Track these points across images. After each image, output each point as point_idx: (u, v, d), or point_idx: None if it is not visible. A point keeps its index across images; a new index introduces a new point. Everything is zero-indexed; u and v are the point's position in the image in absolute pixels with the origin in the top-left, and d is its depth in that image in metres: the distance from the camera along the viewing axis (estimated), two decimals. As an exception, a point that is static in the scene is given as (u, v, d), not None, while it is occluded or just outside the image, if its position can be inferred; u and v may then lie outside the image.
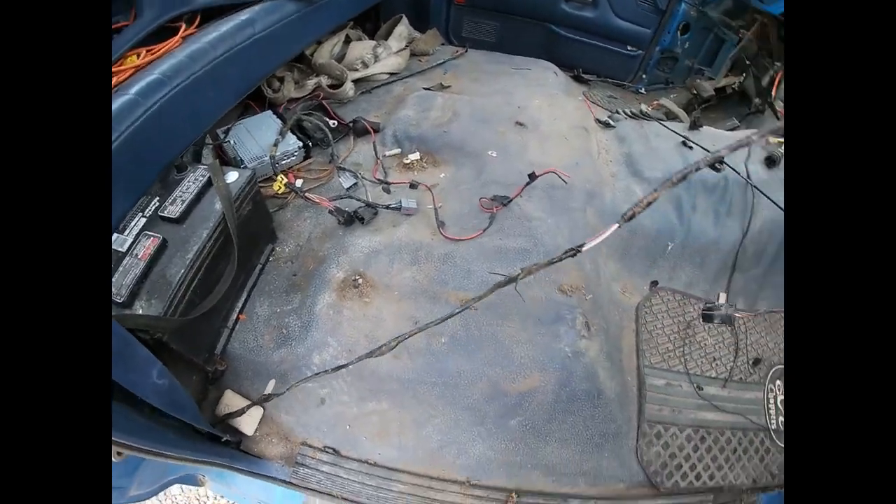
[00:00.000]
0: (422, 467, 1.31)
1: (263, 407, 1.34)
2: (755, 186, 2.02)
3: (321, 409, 1.33)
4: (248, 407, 1.30)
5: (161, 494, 2.00)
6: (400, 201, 1.62)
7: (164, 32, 1.54)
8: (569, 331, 1.45)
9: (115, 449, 0.88)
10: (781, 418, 1.69)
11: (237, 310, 1.49)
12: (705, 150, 2.07)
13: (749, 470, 1.55)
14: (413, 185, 1.70)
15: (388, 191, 1.72)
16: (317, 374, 1.26)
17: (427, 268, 1.50)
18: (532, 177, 1.60)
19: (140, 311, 1.12)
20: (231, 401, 1.34)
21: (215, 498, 2.10)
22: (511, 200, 1.63)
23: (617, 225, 0.89)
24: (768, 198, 1.97)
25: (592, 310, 1.52)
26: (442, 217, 1.62)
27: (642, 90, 3.10)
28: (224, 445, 1.26)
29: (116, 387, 0.86)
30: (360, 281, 1.47)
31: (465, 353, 1.38)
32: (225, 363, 1.39)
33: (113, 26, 1.50)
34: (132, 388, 0.89)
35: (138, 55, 1.46)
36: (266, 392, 1.34)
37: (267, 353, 1.39)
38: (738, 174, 2.02)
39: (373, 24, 2.83)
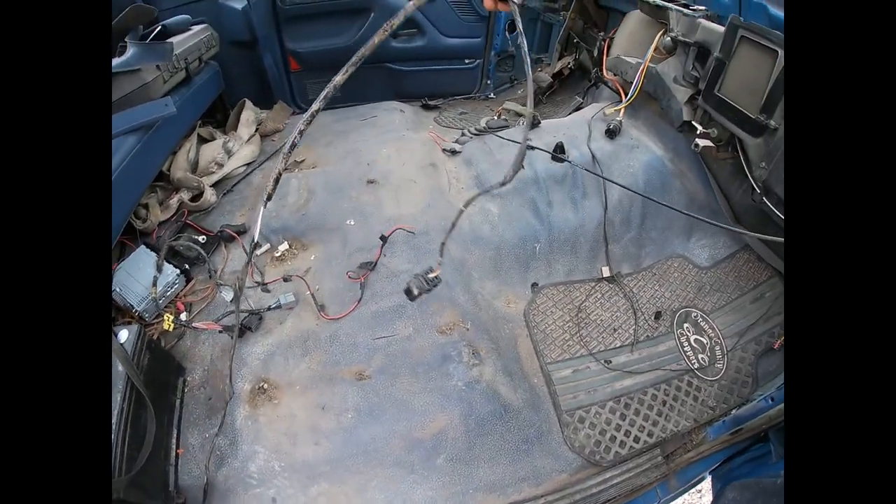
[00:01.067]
0: None
1: None
2: (598, 170, 2.22)
3: None
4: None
5: None
6: (278, 299, 1.75)
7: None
8: (457, 366, 1.62)
9: None
10: (701, 355, 1.86)
11: (173, 447, 1.57)
12: (543, 150, 2.24)
13: (686, 413, 1.69)
14: (286, 279, 1.83)
15: (266, 290, 1.84)
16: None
17: (318, 355, 1.64)
18: (384, 238, 1.76)
19: None
20: None
21: None
22: (375, 264, 1.79)
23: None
24: (611, 181, 2.15)
25: (477, 337, 1.70)
26: (321, 298, 1.76)
27: (491, 95, 3.33)
28: None
29: None
30: (266, 386, 1.60)
31: (371, 419, 1.53)
32: (182, 496, 1.47)
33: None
34: None
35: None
36: (201, 485, 1.46)
37: (212, 475, 1.49)
38: (577, 166, 2.22)
39: (222, 115, 2.88)
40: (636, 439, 1.63)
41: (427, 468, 1.49)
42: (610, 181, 2.16)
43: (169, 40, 2.18)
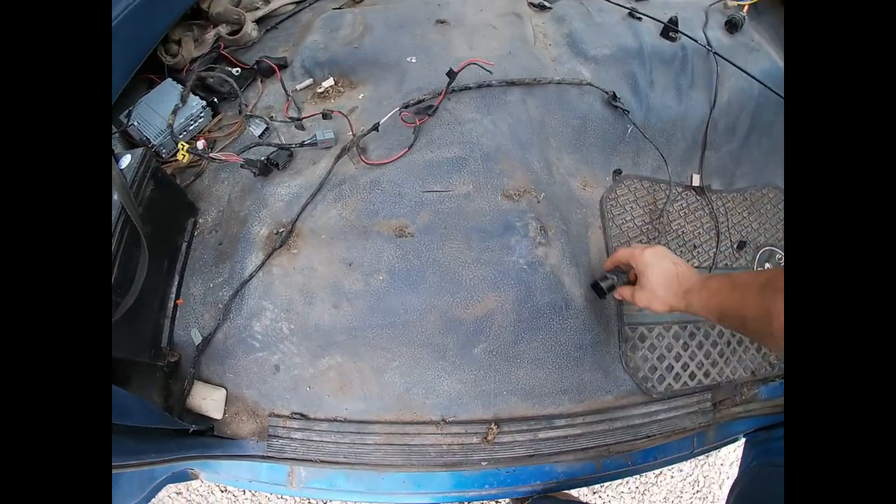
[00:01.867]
0: (392, 414, 1.23)
1: (225, 387, 1.26)
2: (718, 54, 1.79)
3: (278, 377, 1.24)
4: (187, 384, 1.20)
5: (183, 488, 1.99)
6: (314, 135, 1.43)
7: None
8: (521, 240, 1.29)
9: None
10: None
11: (172, 296, 1.36)
12: (655, 19, 1.82)
13: (746, 362, 1.48)
14: (326, 115, 1.50)
15: (301, 127, 1.53)
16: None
17: (353, 201, 1.33)
18: (451, 74, 1.39)
19: None
20: (197, 389, 1.26)
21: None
22: (436, 109, 1.43)
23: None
24: (735, 65, 1.76)
25: (548, 212, 1.36)
26: (366, 139, 1.44)
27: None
28: (194, 436, 1.21)
29: None
30: (285, 232, 1.31)
31: (407, 286, 1.24)
32: (176, 354, 1.29)
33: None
34: None
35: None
36: (196, 343, 1.27)
37: (209, 331, 1.28)
38: (698, 42, 1.79)
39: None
40: (692, 376, 1.40)
41: (461, 356, 1.23)
42: (732, 63, 1.75)
43: None
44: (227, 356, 1.26)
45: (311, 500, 1.90)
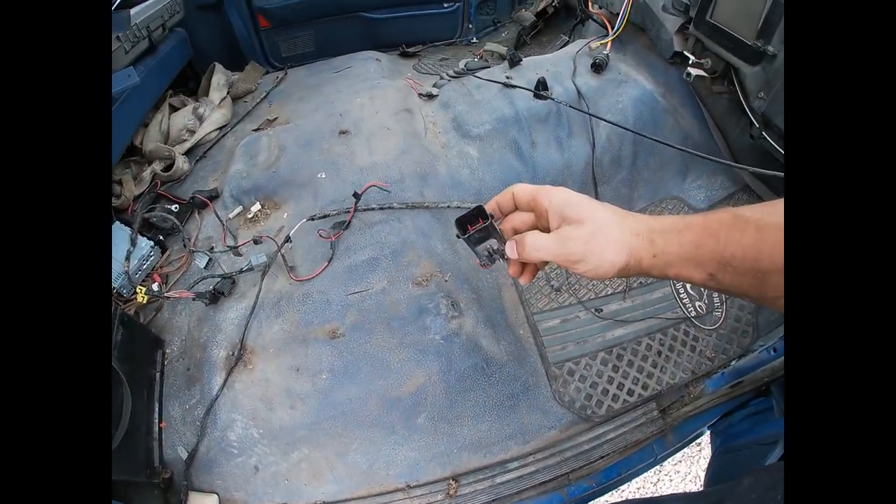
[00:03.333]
0: (363, 490, 1.40)
1: (217, 493, 1.42)
2: (574, 107, 2.09)
3: (259, 476, 1.41)
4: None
5: None
6: (250, 260, 1.67)
7: None
8: (435, 319, 1.53)
9: None
10: (698, 303, 1.76)
11: (156, 421, 1.54)
12: (523, 88, 2.12)
13: (683, 364, 1.60)
14: (257, 241, 1.75)
15: (238, 254, 1.76)
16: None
17: (291, 315, 1.56)
18: (356, 196, 1.66)
19: None
20: (192, 499, 1.42)
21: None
22: (348, 224, 1.69)
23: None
24: (595, 116, 2.03)
25: (456, 287, 1.61)
26: (294, 258, 1.68)
27: (474, 40, 3.14)
28: None
29: None
30: (241, 351, 1.54)
31: (347, 379, 1.46)
32: (168, 471, 1.44)
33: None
34: None
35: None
36: (183, 459, 1.44)
37: (192, 446, 1.45)
38: (560, 102, 2.08)
39: (195, 82, 2.78)
40: (630, 392, 1.54)
41: (408, 428, 1.44)
42: (597, 117, 2.03)
43: (127, 9, 2.07)
44: (213, 465, 1.43)
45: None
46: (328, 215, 1.71)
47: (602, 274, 0.60)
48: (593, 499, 1.47)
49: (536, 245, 0.61)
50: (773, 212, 0.52)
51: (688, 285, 1.78)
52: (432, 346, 1.49)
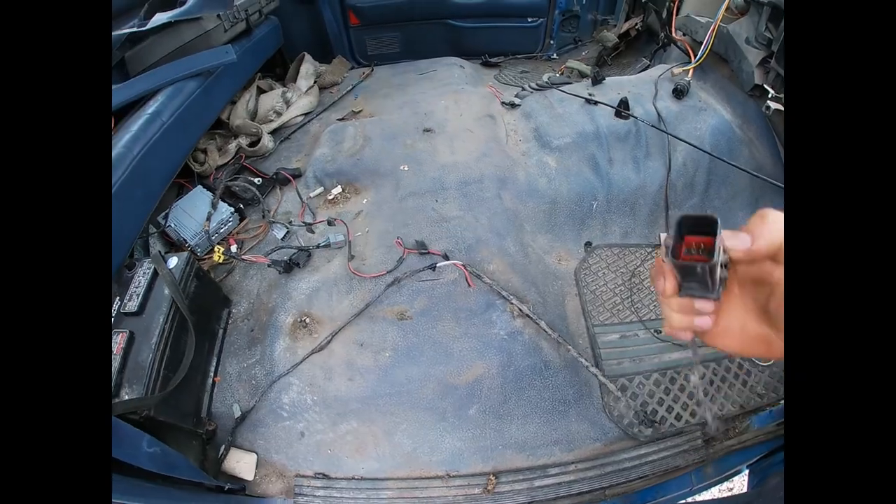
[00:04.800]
0: (402, 471, 1.42)
1: (256, 452, 1.46)
2: (661, 129, 2.10)
3: (303, 442, 1.45)
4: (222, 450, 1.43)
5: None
6: (328, 238, 1.74)
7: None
8: (501, 315, 1.56)
9: None
10: None
11: (211, 374, 1.61)
12: (606, 105, 2.14)
13: (733, 397, 1.56)
14: (330, 223, 1.82)
15: (311, 231, 1.84)
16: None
17: (362, 292, 1.61)
18: (445, 257, 1.67)
19: (126, 398, 1.25)
20: (231, 454, 1.47)
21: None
22: (427, 252, 1.70)
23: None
24: (677, 137, 2.03)
25: (524, 289, 1.63)
26: (368, 242, 1.74)
27: (554, 56, 3.19)
28: (228, 494, 1.37)
29: (122, 462, 0.99)
30: (308, 320, 1.59)
31: (408, 360, 1.49)
32: (213, 423, 1.51)
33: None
34: (128, 459, 1.01)
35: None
36: (236, 416, 1.48)
37: (243, 405, 1.51)
38: (643, 120, 2.10)
39: (282, 69, 2.93)
40: (678, 417, 1.51)
41: (458, 417, 1.45)
42: (676, 137, 2.04)
43: (231, -9, 2.21)
44: (258, 425, 1.48)
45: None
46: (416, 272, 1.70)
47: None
48: None
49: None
50: None
51: None
52: (496, 340, 1.51)
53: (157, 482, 1.15)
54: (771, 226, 0.44)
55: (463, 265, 1.62)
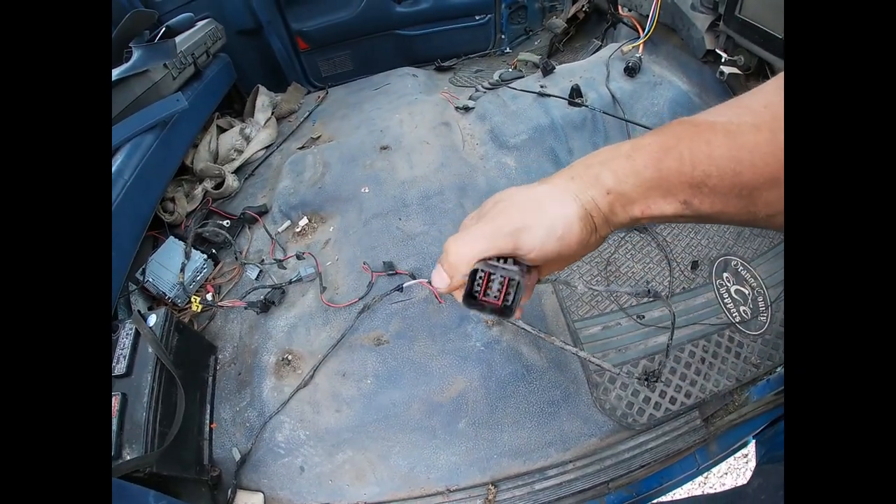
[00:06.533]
0: (404, 492, 1.43)
1: (262, 492, 1.48)
2: (618, 107, 2.11)
3: (304, 476, 1.46)
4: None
5: None
6: (299, 272, 1.76)
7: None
8: (476, 326, 1.58)
9: None
10: (743, 308, 1.70)
11: (207, 422, 1.64)
12: (557, 97, 2.15)
13: (727, 371, 1.55)
14: (299, 257, 1.84)
15: (283, 267, 1.85)
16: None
17: (338, 322, 1.64)
18: (400, 289, 1.68)
19: (128, 458, 1.27)
20: (239, 496, 1.49)
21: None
22: (395, 273, 1.72)
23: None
24: (629, 121, 2.06)
25: (496, 294, 1.64)
26: (339, 270, 1.76)
27: (507, 50, 3.20)
28: None
29: None
30: (290, 357, 1.62)
31: (390, 384, 1.51)
32: (217, 469, 1.52)
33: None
34: None
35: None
36: (236, 459, 1.51)
37: (240, 447, 1.53)
38: (594, 108, 2.11)
39: (239, 104, 2.94)
40: (672, 400, 1.50)
41: (449, 433, 1.46)
42: (631, 122, 2.04)
43: (172, 38, 2.22)
44: (259, 465, 1.50)
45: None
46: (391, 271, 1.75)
47: (555, 244, 0.45)
48: None
49: (458, 252, 0.48)
50: (741, 112, 0.42)
51: (732, 290, 1.76)
52: (473, 352, 1.53)
53: None
54: (453, 259, 0.47)
55: (429, 282, 1.63)
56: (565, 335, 1.66)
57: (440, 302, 1.63)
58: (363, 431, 1.48)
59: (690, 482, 1.53)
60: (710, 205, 0.42)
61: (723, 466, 1.66)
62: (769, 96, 0.42)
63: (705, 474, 1.55)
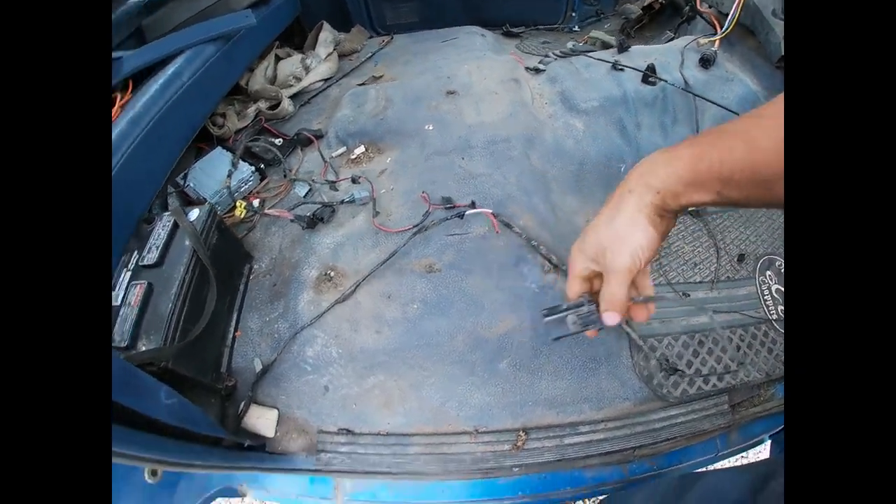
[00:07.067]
0: (430, 427, 1.37)
1: (277, 408, 1.42)
2: (691, 92, 2.06)
3: (327, 397, 1.40)
4: (242, 404, 1.40)
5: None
6: (352, 194, 1.71)
7: (103, 104, 1.64)
8: (532, 268, 1.52)
9: (150, 468, 0.97)
10: (781, 307, 1.67)
11: (232, 329, 1.58)
12: (635, 69, 2.11)
13: (759, 364, 1.53)
14: (354, 180, 1.79)
15: (335, 189, 1.80)
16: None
17: (388, 246, 1.58)
18: (472, 205, 1.64)
19: (143, 349, 1.22)
20: (252, 410, 1.42)
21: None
22: (453, 207, 1.66)
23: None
24: (707, 100, 2.01)
25: (554, 245, 1.59)
26: (391, 199, 1.71)
27: (576, 28, 3.14)
28: (249, 451, 1.34)
29: (140, 415, 0.93)
30: (333, 273, 1.56)
31: (438, 312, 1.46)
32: (233, 379, 1.47)
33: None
34: (145, 411, 0.96)
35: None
36: (257, 370, 1.45)
37: (265, 359, 1.48)
38: (674, 84, 2.06)
39: (300, 38, 2.90)
40: (705, 381, 1.48)
41: (488, 371, 1.41)
42: (706, 99, 2.01)
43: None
44: (281, 379, 1.44)
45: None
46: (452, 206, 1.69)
47: (649, 252, 0.64)
48: (649, 480, 1.40)
49: (606, 296, 0.66)
50: (758, 122, 0.54)
51: (773, 288, 1.72)
52: (527, 294, 1.48)
53: (173, 436, 1.09)
54: (578, 269, 0.71)
55: (492, 213, 1.58)
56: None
57: (497, 232, 1.58)
58: (400, 357, 1.43)
59: (704, 467, 1.52)
60: (737, 194, 0.55)
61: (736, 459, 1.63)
62: (780, 107, 0.52)
63: (721, 462, 1.53)
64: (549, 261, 1.54)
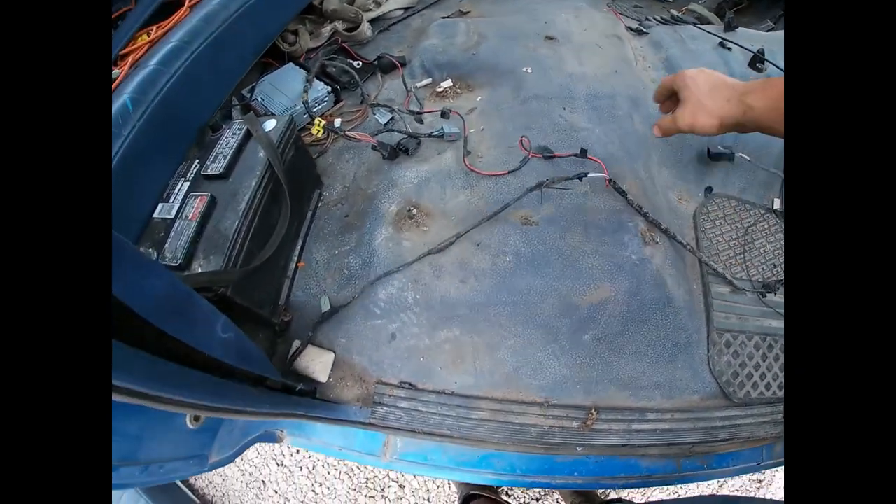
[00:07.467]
0: (499, 392, 1.28)
1: (334, 351, 1.31)
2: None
3: (393, 345, 1.29)
4: (301, 346, 1.29)
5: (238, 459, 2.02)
6: (442, 128, 1.57)
7: (168, 8, 1.51)
8: (633, 238, 1.41)
9: (192, 413, 0.84)
10: None
11: (294, 259, 1.47)
12: (745, 49, 1.95)
13: None
14: (444, 114, 1.65)
15: (420, 121, 1.67)
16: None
17: (481, 189, 1.46)
18: (583, 153, 1.51)
19: (199, 270, 1.10)
20: (309, 353, 1.31)
21: (291, 455, 2.15)
22: (553, 157, 1.54)
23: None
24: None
25: (653, 214, 1.48)
26: (482, 140, 1.58)
27: (670, -1, 2.94)
28: (299, 395, 1.23)
29: (186, 349, 0.79)
30: (415, 211, 1.44)
31: (531, 269, 1.35)
32: (290, 314, 1.36)
33: (116, 14, 1.50)
34: (198, 344, 0.81)
35: (149, 33, 1.44)
36: (324, 310, 1.33)
37: (331, 296, 1.36)
38: (782, 70, 1.91)
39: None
40: (768, 386, 1.42)
41: (571, 341, 1.31)
42: None
43: None
44: (344, 321, 1.32)
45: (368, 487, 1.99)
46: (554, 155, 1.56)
47: (706, 132, 0.96)
48: (697, 480, 1.41)
49: (663, 125, 1.14)
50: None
51: None
52: (627, 263, 1.37)
53: (218, 374, 0.93)
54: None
55: (610, 180, 1.45)
56: (698, 283, 1.51)
57: (607, 186, 1.46)
58: (483, 312, 1.32)
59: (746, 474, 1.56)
60: (779, 114, 0.80)
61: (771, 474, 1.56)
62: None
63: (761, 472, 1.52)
64: (658, 228, 1.43)
